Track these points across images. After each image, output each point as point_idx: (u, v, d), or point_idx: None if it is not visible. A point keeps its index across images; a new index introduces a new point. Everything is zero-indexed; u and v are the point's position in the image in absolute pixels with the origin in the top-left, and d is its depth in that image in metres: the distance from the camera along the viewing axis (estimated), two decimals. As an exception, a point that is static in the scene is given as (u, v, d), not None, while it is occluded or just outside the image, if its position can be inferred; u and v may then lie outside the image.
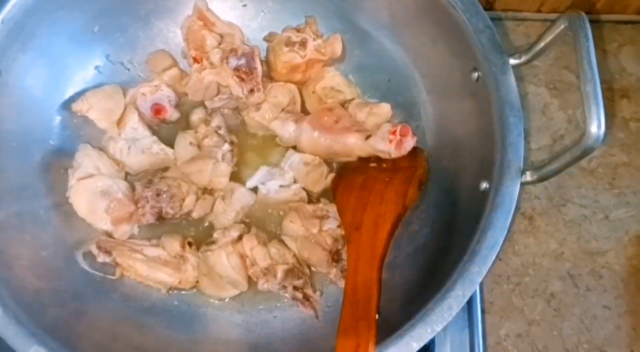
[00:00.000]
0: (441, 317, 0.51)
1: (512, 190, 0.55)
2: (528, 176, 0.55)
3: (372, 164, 0.69)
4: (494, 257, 0.53)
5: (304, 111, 0.74)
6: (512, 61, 0.59)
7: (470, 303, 0.70)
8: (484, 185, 0.58)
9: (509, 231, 0.56)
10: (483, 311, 0.72)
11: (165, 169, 0.71)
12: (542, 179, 0.55)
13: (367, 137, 0.67)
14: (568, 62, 0.83)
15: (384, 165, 0.68)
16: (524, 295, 0.74)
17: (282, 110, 0.71)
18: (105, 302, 0.65)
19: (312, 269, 0.68)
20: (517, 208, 0.77)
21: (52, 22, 0.66)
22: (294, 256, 0.66)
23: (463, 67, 0.62)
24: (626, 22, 0.85)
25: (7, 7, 0.62)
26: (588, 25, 0.51)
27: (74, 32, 0.69)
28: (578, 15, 0.52)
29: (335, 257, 0.65)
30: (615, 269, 0.75)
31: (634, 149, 0.80)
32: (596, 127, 0.48)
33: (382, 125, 0.68)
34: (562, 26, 0.54)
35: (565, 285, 0.74)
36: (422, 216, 0.68)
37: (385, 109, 0.70)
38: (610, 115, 0.82)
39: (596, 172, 0.79)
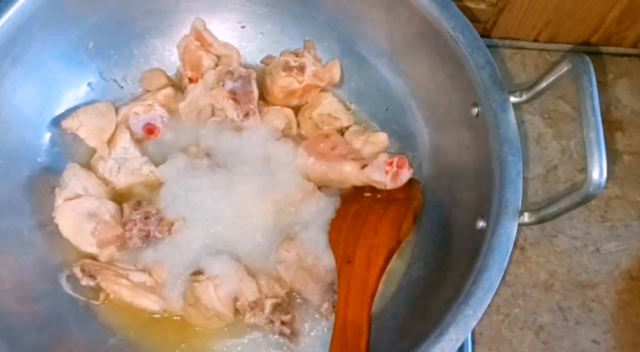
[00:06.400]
0: (434, 362, 0.50)
1: (509, 231, 0.54)
2: (526, 218, 0.55)
3: (367, 194, 0.68)
4: (489, 300, 0.52)
5: (300, 136, 0.73)
6: (513, 99, 0.58)
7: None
8: (481, 224, 0.57)
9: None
10: (473, 342, 0.72)
11: (155, 190, 0.70)
12: (540, 222, 0.54)
13: (363, 167, 0.67)
14: (563, 92, 0.83)
15: (379, 195, 0.67)
16: (513, 326, 0.73)
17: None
18: (86, 328, 0.63)
19: (304, 298, 0.66)
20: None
21: (45, 38, 0.65)
22: (284, 288, 0.65)
23: (463, 101, 0.62)
24: (622, 55, 0.86)
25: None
26: (592, 69, 0.51)
27: (68, 48, 0.68)
28: (582, 59, 0.51)
29: (328, 289, 0.64)
30: (605, 302, 0.75)
31: (626, 182, 0.80)
32: (598, 174, 0.48)
33: (379, 155, 0.67)
34: (565, 68, 0.54)
35: (554, 317, 0.74)
36: (416, 249, 0.67)
37: (381, 138, 0.69)
38: (603, 147, 0.82)
39: (588, 205, 0.78)
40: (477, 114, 0.60)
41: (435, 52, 0.65)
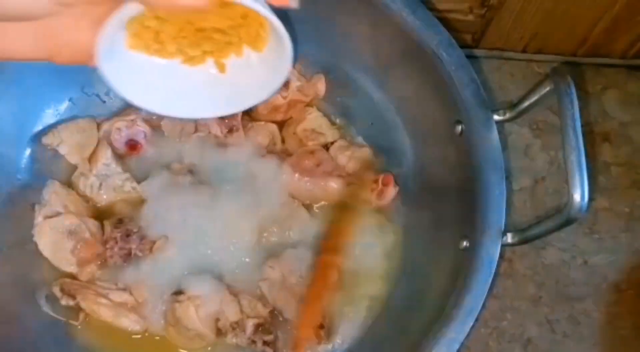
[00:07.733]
0: (417, 388, 0.50)
1: (492, 252, 0.54)
2: (509, 238, 0.55)
3: None
4: (472, 322, 0.52)
5: (284, 152, 0.72)
6: (496, 117, 0.58)
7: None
8: (464, 243, 0.57)
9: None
10: (460, 356, 0.71)
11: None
12: (523, 242, 0.54)
13: (349, 184, 0.66)
14: (552, 103, 0.82)
15: None
16: (501, 339, 0.73)
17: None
18: (65, 349, 0.62)
19: (286, 318, 0.65)
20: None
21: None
22: (267, 307, 0.64)
23: (447, 118, 0.61)
24: (610, 65, 0.85)
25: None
26: (574, 91, 0.50)
27: (50, 62, 0.67)
28: (563, 80, 0.51)
29: (310, 310, 0.64)
30: (593, 315, 0.74)
31: (614, 194, 0.80)
32: (580, 196, 0.48)
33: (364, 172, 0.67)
34: (548, 88, 0.53)
35: (542, 330, 0.73)
36: (400, 268, 0.67)
37: (366, 153, 0.69)
38: (591, 159, 0.81)
39: (576, 216, 0.78)
40: (461, 132, 0.60)
41: (419, 69, 0.64)
